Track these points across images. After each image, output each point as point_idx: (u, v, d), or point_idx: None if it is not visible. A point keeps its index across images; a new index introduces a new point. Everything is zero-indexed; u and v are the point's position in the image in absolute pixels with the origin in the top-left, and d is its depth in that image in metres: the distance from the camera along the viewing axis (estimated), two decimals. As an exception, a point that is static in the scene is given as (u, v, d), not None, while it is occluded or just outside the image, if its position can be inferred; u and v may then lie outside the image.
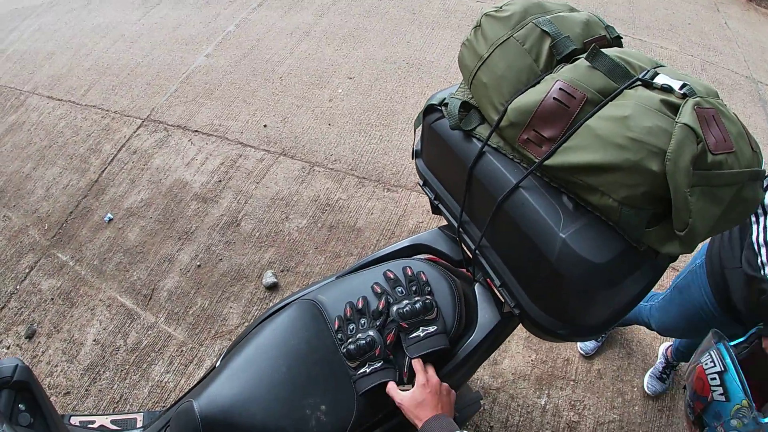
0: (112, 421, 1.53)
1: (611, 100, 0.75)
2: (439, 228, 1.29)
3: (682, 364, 1.94)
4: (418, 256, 1.26)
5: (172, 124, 3.08)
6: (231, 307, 2.31)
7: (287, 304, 1.22)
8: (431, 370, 0.98)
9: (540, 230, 0.80)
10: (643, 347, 2.05)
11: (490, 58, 0.85)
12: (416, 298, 1.05)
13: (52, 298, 2.49)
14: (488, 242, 0.99)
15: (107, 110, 3.24)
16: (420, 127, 1.08)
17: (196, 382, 1.28)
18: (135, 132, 3.07)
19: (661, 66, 0.80)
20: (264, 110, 3.09)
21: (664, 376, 1.86)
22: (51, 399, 2.18)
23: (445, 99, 0.97)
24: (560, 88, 0.77)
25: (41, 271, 2.61)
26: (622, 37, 0.93)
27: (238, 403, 1.02)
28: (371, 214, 2.56)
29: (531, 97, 0.79)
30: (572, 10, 0.92)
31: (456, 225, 1.07)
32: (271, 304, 2.29)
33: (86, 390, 2.19)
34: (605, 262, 0.76)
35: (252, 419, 1.01)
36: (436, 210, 1.19)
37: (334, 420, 1.01)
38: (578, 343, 1.91)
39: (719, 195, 0.71)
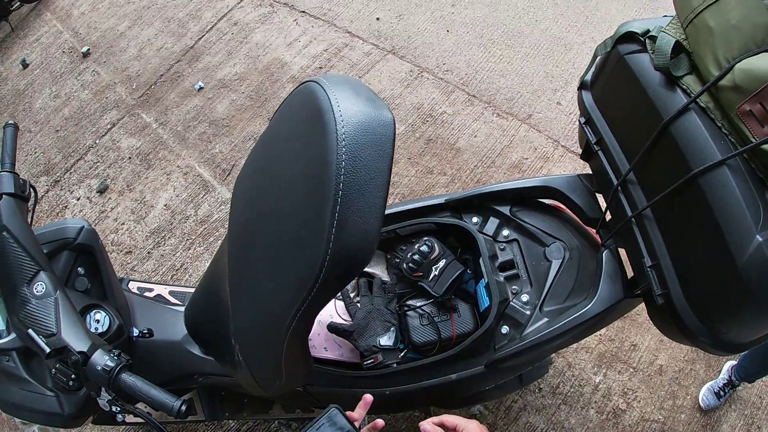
0: (171, 293, 1.44)
1: None
2: (578, 175, 1.13)
3: (744, 385, 1.80)
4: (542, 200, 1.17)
5: (278, 1, 2.85)
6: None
7: None
8: (450, 418, 0.73)
9: (734, 222, 0.69)
10: (710, 357, 1.83)
11: (725, 1, 0.72)
12: (414, 248, 1.11)
13: (130, 157, 2.40)
14: (652, 213, 0.86)
15: (213, -22, 3.05)
16: (602, 55, 0.93)
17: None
18: (239, 3, 2.87)
19: None
20: (379, 2, 2.79)
21: (722, 393, 1.73)
22: (112, 255, 2.11)
23: (650, 31, 0.82)
24: None
25: (123, 128, 2.52)
26: None
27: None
28: (474, 136, 2.27)
29: None
30: None
31: (616, 182, 0.93)
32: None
33: (148, 252, 2.10)
34: None
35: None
36: (588, 156, 1.05)
37: None
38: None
39: None
